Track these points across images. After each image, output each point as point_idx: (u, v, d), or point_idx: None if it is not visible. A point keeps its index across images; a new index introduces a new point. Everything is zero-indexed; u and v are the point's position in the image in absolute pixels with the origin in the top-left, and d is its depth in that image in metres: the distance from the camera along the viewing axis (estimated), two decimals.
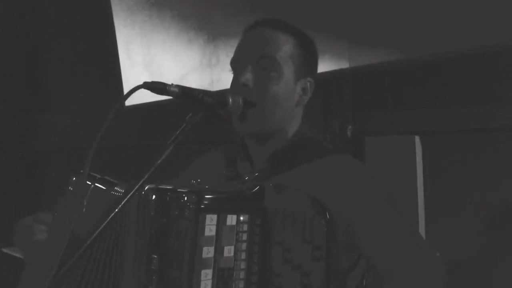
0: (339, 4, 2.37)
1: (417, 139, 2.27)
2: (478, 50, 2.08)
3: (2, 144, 4.12)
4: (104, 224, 1.03)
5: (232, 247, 1.10)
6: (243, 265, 1.12)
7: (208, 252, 1.07)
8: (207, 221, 1.07)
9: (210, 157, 1.60)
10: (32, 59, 4.37)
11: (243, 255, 1.12)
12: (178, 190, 1.11)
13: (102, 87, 3.77)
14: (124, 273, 1.16)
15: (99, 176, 1.31)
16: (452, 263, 1.51)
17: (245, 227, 1.12)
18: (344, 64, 2.38)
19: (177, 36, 3.16)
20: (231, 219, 1.10)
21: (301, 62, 1.43)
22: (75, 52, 4.08)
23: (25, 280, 1.40)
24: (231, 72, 1.45)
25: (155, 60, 3.33)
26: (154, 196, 1.12)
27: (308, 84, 1.45)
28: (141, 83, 1.11)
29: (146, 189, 1.13)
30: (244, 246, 1.12)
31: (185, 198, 1.08)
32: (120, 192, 1.21)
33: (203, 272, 1.07)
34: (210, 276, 1.08)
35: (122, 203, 1.04)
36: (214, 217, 1.08)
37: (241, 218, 1.11)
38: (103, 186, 1.28)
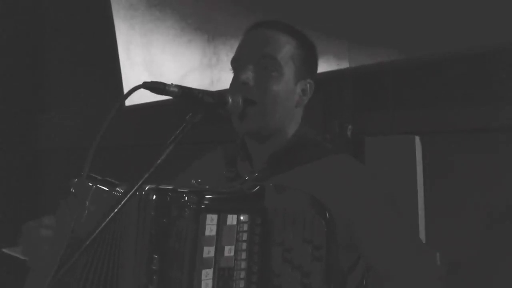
0: (339, 4, 2.37)
1: (417, 139, 2.27)
2: (478, 50, 2.08)
3: (2, 144, 4.12)
4: (103, 224, 1.03)
5: (233, 247, 1.11)
6: (243, 264, 1.12)
7: (208, 252, 1.08)
8: (208, 221, 1.07)
9: (210, 157, 1.60)
10: (32, 59, 4.37)
11: (244, 255, 1.12)
12: (179, 190, 1.11)
13: (102, 87, 3.77)
14: (124, 273, 1.16)
15: (101, 178, 1.31)
16: (452, 263, 1.51)
17: (246, 227, 1.12)
18: (344, 64, 2.38)
19: (177, 36, 3.16)
20: (232, 219, 1.10)
21: (302, 63, 1.43)
22: (75, 52, 4.08)
23: (30, 284, 1.40)
24: (231, 71, 1.45)
25: (155, 60, 3.33)
26: (154, 196, 1.12)
27: (308, 85, 1.45)
28: (141, 83, 1.12)
29: (147, 189, 1.13)
30: (244, 246, 1.12)
31: (186, 198, 1.08)
32: (121, 193, 1.21)
33: (203, 271, 1.07)
34: (210, 276, 1.08)
35: (122, 203, 1.04)
36: (215, 217, 1.08)
37: (242, 218, 1.12)
38: (105, 187, 1.28)
